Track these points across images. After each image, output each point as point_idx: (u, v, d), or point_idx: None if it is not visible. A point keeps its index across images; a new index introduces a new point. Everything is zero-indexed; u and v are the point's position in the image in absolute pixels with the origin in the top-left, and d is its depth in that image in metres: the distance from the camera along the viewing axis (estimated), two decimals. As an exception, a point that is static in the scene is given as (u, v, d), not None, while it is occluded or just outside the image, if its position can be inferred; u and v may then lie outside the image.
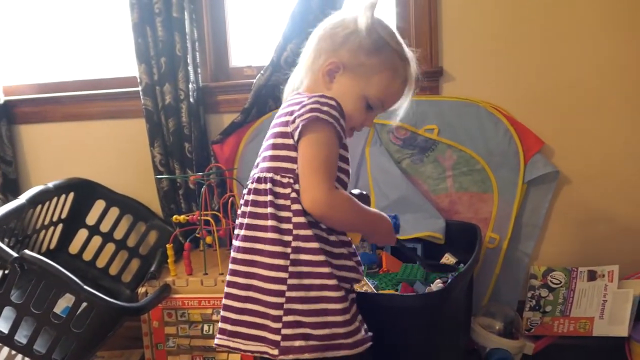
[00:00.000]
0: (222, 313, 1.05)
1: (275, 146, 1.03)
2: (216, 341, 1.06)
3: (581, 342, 1.67)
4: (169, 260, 1.69)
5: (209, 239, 1.66)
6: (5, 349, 1.59)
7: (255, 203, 1.03)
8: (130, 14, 1.79)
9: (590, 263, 1.78)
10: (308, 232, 0.99)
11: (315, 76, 1.07)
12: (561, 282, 1.78)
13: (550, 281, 1.80)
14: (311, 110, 0.97)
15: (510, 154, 1.77)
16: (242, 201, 1.07)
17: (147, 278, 1.67)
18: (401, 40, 1.07)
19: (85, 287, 1.38)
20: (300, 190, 0.98)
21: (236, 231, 1.07)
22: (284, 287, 0.98)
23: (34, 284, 1.38)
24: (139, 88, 1.83)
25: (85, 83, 2.03)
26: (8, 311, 1.42)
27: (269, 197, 1.00)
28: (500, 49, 1.77)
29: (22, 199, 1.65)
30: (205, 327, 1.62)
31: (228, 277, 1.05)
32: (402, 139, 1.83)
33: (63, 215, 1.87)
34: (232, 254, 1.06)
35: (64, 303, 1.54)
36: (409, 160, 1.83)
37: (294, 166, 0.99)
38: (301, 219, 0.99)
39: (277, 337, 0.98)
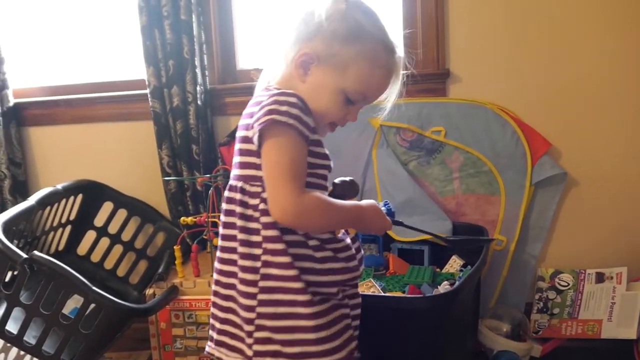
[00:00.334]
0: (210, 320, 1.04)
1: (241, 152, 0.97)
2: (207, 349, 1.04)
3: (589, 345, 1.67)
4: (176, 262, 1.70)
5: (216, 241, 1.66)
6: (14, 350, 1.60)
7: (228, 212, 0.98)
8: (138, 17, 1.80)
9: (598, 265, 1.77)
10: (278, 246, 0.93)
11: (289, 68, 0.98)
12: (569, 284, 1.78)
13: (558, 283, 1.79)
14: (268, 112, 0.90)
15: (517, 155, 1.77)
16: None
17: (154, 279, 1.68)
18: (384, 26, 0.97)
19: (94, 288, 1.38)
20: (267, 200, 0.92)
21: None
22: (254, 303, 0.94)
23: (43, 285, 1.38)
24: (147, 90, 1.84)
25: (94, 86, 2.04)
26: (17, 312, 1.43)
27: (238, 209, 0.96)
28: (507, 50, 1.77)
29: (32, 200, 1.66)
30: (213, 328, 1.62)
31: (212, 285, 1.03)
32: (409, 141, 1.83)
33: (72, 217, 1.89)
34: (215, 262, 1.03)
35: (72, 304, 1.55)
36: (416, 162, 1.83)
37: (261, 173, 0.93)
38: (270, 232, 0.93)
39: (250, 353, 0.96)
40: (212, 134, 1.91)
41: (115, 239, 1.92)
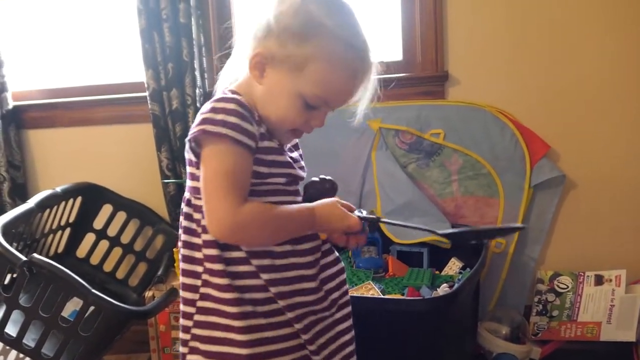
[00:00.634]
0: None
1: (188, 162, 0.90)
2: None
3: (588, 347, 1.67)
4: (175, 265, 1.70)
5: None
6: (13, 352, 1.60)
7: (182, 226, 0.92)
8: (137, 20, 1.80)
9: (597, 267, 1.78)
10: (216, 266, 0.86)
11: (247, 69, 0.88)
12: (568, 286, 1.78)
13: (557, 286, 1.79)
14: (201, 122, 0.82)
15: (516, 158, 1.77)
16: None
17: (154, 282, 1.69)
18: (350, 21, 0.85)
19: (93, 290, 1.38)
20: (204, 216, 0.84)
21: None
22: (190, 323, 0.89)
23: (43, 288, 1.38)
24: (146, 93, 1.85)
25: (93, 88, 2.04)
26: (16, 314, 1.43)
27: (184, 222, 0.90)
28: (505, 53, 1.78)
29: (31, 203, 1.66)
30: (212, 331, 1.62)
31: None
32: (408, 143, 1.83)
33: (71, 220, 1.89)
34: None
35: (71, 307, 1.55)
36: (415, 165, 1.83)
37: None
38: (210, 251, 0.87)
39: None
40: (212, 137, 1.91)
41: (115, 241, 1.92)
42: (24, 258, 1.35)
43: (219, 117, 0.82)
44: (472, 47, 1.79)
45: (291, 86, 0.85)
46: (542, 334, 1.72)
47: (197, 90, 1.83)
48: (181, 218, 0.92)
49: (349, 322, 1.00)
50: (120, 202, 1.93)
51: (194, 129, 0.84)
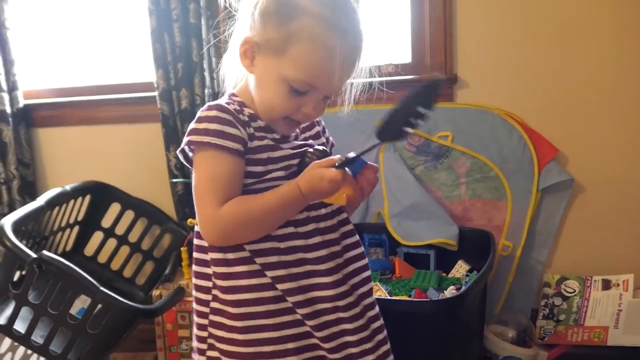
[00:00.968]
0: None
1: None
2: None
3: (595, 352, 1.66)
4: (183, 264, 1.71)
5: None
6: (21, 349, 1.61)
7: (195, 230, 0.95)
8: (148, 20, 1.81)
9: (605, 272, 1.77)
10: (219, 269, 0.89)
11: (240, 62, 0.89)
12: (575, 290, 1.77)
13: (564, 290, 1.78)
14: (188, 133, 0.86)
15: (524, 161, 1.77)
16: None
17: (161, 280, 1.69)
18: (328, 2, 0.82)
19: (102, 288, 1.39)
20: None
21: None
22: (206, 322, 0.93)
23: (51, 285, 1.39)
24: (156, 93, 1.85)
25: (103, 88, 2.05)
26: (25, 311, 1.44)
27: (196, 227, 0.92)
28: (514, 56, 1.78)
29: (41, 201, 1.67)
30: (219, 330, 1.63)
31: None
32: (416, 145, 1.83)
33: (79, 218, 1.90)
34: None
35: (79, 304, 1.56)
36: (423, 167, 1.83)
37: None
38: (214, 255, 0.89)
39: None
40: (220, 137, 1.91)
41: (122, 240, 1.93)
42: (34, 255, 1.36)
43: (202, 125, 0.84)
44: (481, 50, 1.79)
45: (275, 71, 0.84)
46: (548, 338, 1.72)
47: (206, 90, 1.84)
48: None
49: (381, 321, 0.99)
50: (128, 201, 1.94)
51: (183, 140, 0.87)
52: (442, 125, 1.81)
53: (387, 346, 0.99)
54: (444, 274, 1.70)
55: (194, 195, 0.87)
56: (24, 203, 1.95)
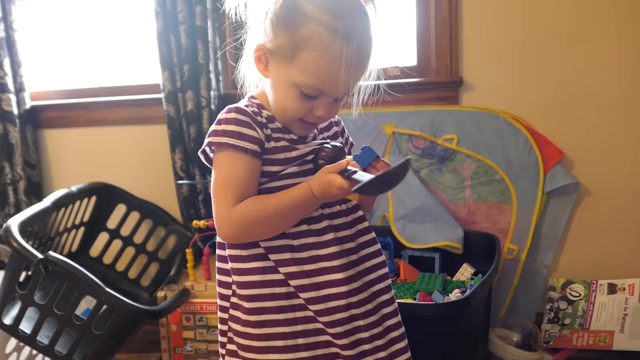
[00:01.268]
0: None
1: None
2: None
3: (601, 356, 1.66)
4: (188, 265, 1.71)
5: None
6: (26, 349, 1.62)
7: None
8: (155, 22, 1.82)
9: (611, 276, 1.76)
10: (237, 265, 0.93)
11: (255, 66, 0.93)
12: (580, 294, 1.77)
13: (570, 294, 1.78)
14: (208, 134, 0.90)
15: (529, 164, 1.76)
16: None
17: (166, 282, 1.70)
18: (336, 8, 0.84)
19: (107, 289, 1.40)
20: None
21: None
22: (226, 316, 0.97)
23: (57, 285, 1.40)
24: (162, 95, 1.86)
25: (109, 89, 2.07)
26: (31, 311, 1.45)
27: (217, 238, 0.96)
28: (520, 59, 1.77)
29: (47, 201, 1.68)
30: (223, 332, 1.63)
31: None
32: (422, 148, 1.83)
33: (85, 219, 1.91)
34: None
35: (84, 305, 1.57)
36: (428, 170, 1.83)
37: None
38: (233, 251, 0.93)
39: None
40: (225, 139, 1.92)
41: (128, 241, 1.94)
42: (40, 256, 1.37)
43: (221, 127, 0.89)
44: (486, 53, 1.79)
45: (286, 76, 0.87)
46: (553, 342, 1.71)
47: (212, 93, 1.84)
48: None
49: (397, 319, 1.00)
50: (133, 203, 1.95)
51: (205, 141, 0.91)
52: (448, 128, 1.80)
53: (402, 344, 1.00)
54: (448, 277, 1.70)
55: (211, 194, 0.91)
56: (30, 204, 1.96)
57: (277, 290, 0.91)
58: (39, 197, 1.99)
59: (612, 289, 1.74)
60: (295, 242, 0.91)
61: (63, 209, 1.77)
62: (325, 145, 0.94)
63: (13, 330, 1.46)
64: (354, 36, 0.83)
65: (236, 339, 0.94)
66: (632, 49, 1.71)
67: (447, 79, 1.81)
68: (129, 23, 2.06)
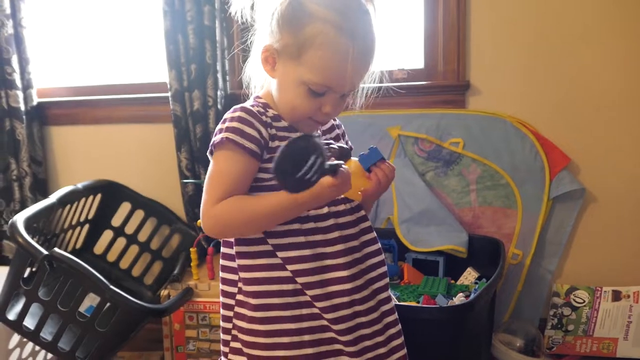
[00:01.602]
0: None
1: None
2: None
3: (604, 363, 1.65)
4: (192, 264, 1.71)
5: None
6: (29, 345, 1.62)
7: None
8: (162, 21, 1.82)
9: (615, 283, 1.76)
10: (243, 262, 0.93)
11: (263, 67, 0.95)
12: (585, 301, 1.76)
13: (574, 300, 1.77)
14: (215, 134, 0.92)
15: (535, 169, 1.76)
16: None
17: (170, 280, 1.70)
18: (338, 6, 0.86)
19: (112, 287, 1.40)
20: None
21: None
22: (231, 314, 0.97)
23: (62, 282, 1.40)
24: (169, 94, 1.86)
25: (116, 87, 2.07)
26: (35, 307, 1.45)
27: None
28: (527, 64, 1.77)
29: (53, 198, 1.68)
30: (226, 331, 1.63)
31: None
32: (427, 151, 1.83)
33: (90, 216, 1.91)
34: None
35: (87, 302, 1.57)
36: (433, 173, 1.83)
37: None
38: (240, 248, 0.93)
39: None
40: (231, 139, 1.92)
41: (132, 239, 1.94)
42: (45, 252, 1.37)
43: (225, 125, 0.90)
44: (493, 57, 1.79)
45: (294, 75, 0.89)
46: (557, 348, 1.70)
47: (219, 92, 1.85)
48: None
49: (395, 316, 1.02)
50: (138, 201, 1.95)
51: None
52: (454, 131, 1.80)
53: (400, 340, 1.02)
54: (452, 281, 1.69)
55: None
56: (35, 200, 1.97)
57: (284, 287, 0.92)
58: (45, 194, 2.00)
59: (616, 296, 1.73)
60: (303, 240, 0.93)
61: (68, 206, 1.78)
62: (332, 145, 0.94)
63: (17, 325, 1.46)
64: (358, 33, 0.86)
65: (241, 336, 0.94)
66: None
67: (454, 82, 1.81)
68: (137, 21, 2.06)
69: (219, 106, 1.84)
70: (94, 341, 1.45)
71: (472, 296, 1.48)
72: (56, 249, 1.39)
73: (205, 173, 1.92)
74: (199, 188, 1.91)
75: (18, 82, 1.96)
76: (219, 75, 1.84)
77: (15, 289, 1.45)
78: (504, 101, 1.79)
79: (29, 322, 1.46)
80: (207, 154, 0.95)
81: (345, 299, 0.93)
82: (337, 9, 0.86)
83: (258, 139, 0.90)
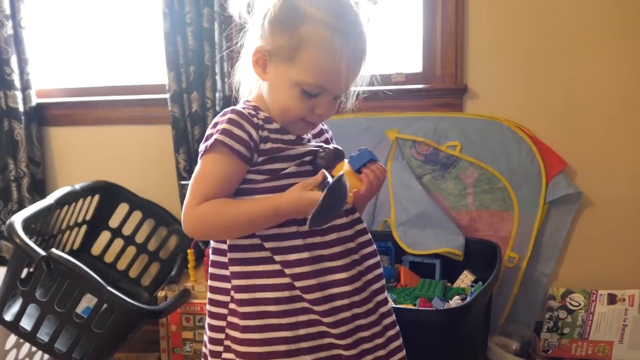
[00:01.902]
0: None
1: None
2: None
3: (599, 367, 1.66)
4: (189, 266, 1.72)
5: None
6: (26, 346, 1.62)
7: None
8: (162, 23, 1.83)
9: (611, 286, 1.76)
10: (236, 268, 0.91)
11: (253, 70, 0.93)
12: (580, 304, 1.77)
13: (569, 303, 1.78)
14: (205, 139, 0.90)
15: (532, 173, 1.77)
16: None
17: (167, 282, 1.70)
18: (333, 6, 0.86)
19: (109, 288, 1.40)
20: None
21: None
22: (223, 324, 0.94)
23: (59, 283, 1.40)
24: (167, 95, 1.87)
25: (115, 89, 2.07)
26: (32, 308, 1.45)
27: (212, 243, 0.96)
28: (524, 68, 1.78)
29: (51, 199, 1.68)
30: (223, 333, 1.63)
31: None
32: (425, 154, 1.84)
33: (87, 217, 1.91)
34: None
35: (84, 303, 1.57)
36: (431, 176, 1.84)
37: None
38: (234, 255, 0.91)
39: None
40: (229, 141, 1.92)
41: (129, 240, 1.94)
42: (43, 253, 1.37)
43: (216, 128, 0.89)
44: (491, 61, 1.80)
45: (287, 76, 0.88)
46: (552, 351, 1.71)
47: (217, 94, 1.85)
48: None
49: (392, 318, 1.01)
50: (136, 202, 1.95)
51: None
52: (451, 135, 1.81)
53: (399, 342, 1.01)
54: (449, 284, 1.70)
55: None
56: (33, 201, 1.97)
57: (280, 294, 0.90)
58: (42, 195, 2.00)
59: (612, 300, 1.74)
60: (301, 243, 0.91)
61: (66, 207, 1.78)
62: (325, 147, 0.95)
63: (13, 326, 1.46)
64: (351, 33, 0.86)
65: (235, 346, 0.92)
66: (637, 59, 1.72)
67: (451, 86, 1.81)
68: (137, 23, 2.07)
69: (217, 108, 1.85)
70: (91, 342, 1.45)
71: (468, 299, 1.49)
72: (54, 250, 1.39)
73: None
74: (196, 190, 1.91)
75: (17, 83, 1.96)
76: (218, 77, 1.85)
77: (12, 290, 1.46)
78: (501, 105, 1.80)
79: (26, 323, 1.46)
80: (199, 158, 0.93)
81: (345, 302, 0.92)
82: (330, 9, 0.86)
83: (247, 141, 0.88)
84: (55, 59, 2.14)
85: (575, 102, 1.77)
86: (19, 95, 1.96)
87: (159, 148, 1.98)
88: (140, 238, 1.94)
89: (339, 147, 0.95)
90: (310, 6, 0.86)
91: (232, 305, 0.92)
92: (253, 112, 0.92)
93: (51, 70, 2.14)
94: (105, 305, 1.41)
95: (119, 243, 1.95)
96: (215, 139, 0.87)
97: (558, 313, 1.77)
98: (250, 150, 0.89)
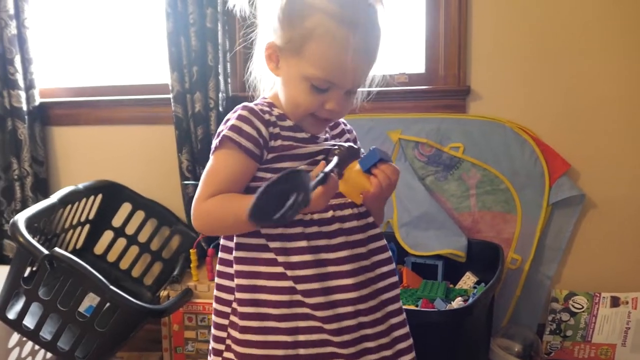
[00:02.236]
0: None
1: None
2: None
3: (602, 369, 1.65)
4: (191, 265, 1.72)
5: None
6: (29, 344, 1.63)
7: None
8: (165, 23, 1.83)
9: (614, 289, 1.76)
10: (240, 267, 0.91)
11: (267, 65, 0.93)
12: (583, 307, 1.76)
13: (572, 305, 1.77)
14: (216, 135, 0.90)
15: (535, 175, 1.76)
16: None
17: (169, 281, 1.70)
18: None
19: (112, 287, 1.40)
20: None
21: None
22: (226, 322, 0.94)
23: (62, 282, 1.41)
24: (170, 95, 1.87)
25: (118, 89, 2.08)
26: (35, 307, 1.45)
27: (221, 241, 0.97)
28: (528, 69, 1.78)
29: (54, 198, 1.69)
30: (225, 333, 1.63)
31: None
32: (427, 155, 1.83)
33: (90, 216, 1.92)
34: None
35: (87, 302, 1.57)
36: (433, 177, 1.84)
37: None
38: (239, 253, 0.91)
39: None
40: (232, 141, 1.93)
41: (132, 240, 1.94)
42: (46, 252, 1.38)
43: (229, 123, 0.89)
44: (494, 62, 1.80)
45: (296, 70, 0.87)
46: (554, 354, 1.71)
47: (220, 95, 1.85)
48: None
49: (405, 329, 0.97)
50: (139, 202, 1.95)
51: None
52: (454, 136, 1.81)
53: (410, 356, 0.97)
54: (451, 285, 1.70)
55: None
56: (36, 200, 1.97)
57: (281, 297, 0.88)
58: (46, 194, 2.01)
59: (615, 302, 1.73)
60: (305, 244, 0.89)
61: (69, 206, 1.78)
62: (339, 144, 0.92)
63: (17, 325, 1.47)
64: (359, 24, 0.83)
65: (235, 346, 0.91)
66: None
67: (454, 87, 1.81)
68: (140, 23, 2.07)
69: (220, 108, 1.85)
70: (93, 341, 1.45)
71: (470, 300, 1.49)
72: (57, 249, 1.39)
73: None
74: (199, 189, 1.91)
75: (20, 82, 1.96)
76: (221, 78, 1.85)
77: (15, 288, 1.46)
78: (505, 106, 1.80)
79: (29, 322, 1.47)
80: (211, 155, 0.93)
81: (350, 309, 0.89)
82: (337, 1, 0.83)
83: (256, 137, 0.87)
84: (58, 58, 2.15)
85: (578, 104, 1.77)
86: (22, 94, 1.97)
87: (162, 148, 1.99)
88: (143, 237, 1.95)
89: (354, 145, 0.93)
90: None
91: (234, 305, 0.92)
92: (266, 109, 0.91)
93: (55, 70, 2.14)
94: (107, 304, 1.41)
95: (121, 242, 1.95)
96: (224, 135, 0.87)
97: (561, 315, 1.77)
98: (259, 147, 0.88)
